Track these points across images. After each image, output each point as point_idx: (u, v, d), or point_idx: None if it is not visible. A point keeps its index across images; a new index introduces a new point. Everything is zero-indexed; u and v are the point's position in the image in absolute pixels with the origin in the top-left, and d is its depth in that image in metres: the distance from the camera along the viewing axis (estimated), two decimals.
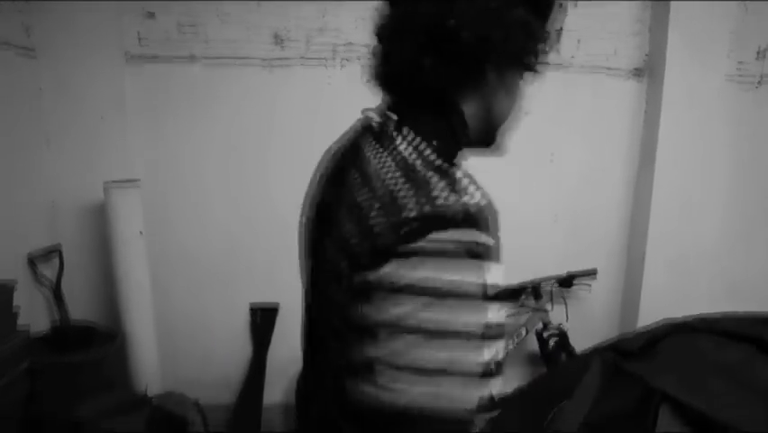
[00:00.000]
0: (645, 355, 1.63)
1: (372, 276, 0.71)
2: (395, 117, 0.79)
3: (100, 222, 2.53)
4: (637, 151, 2.74)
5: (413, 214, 0.69)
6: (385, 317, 0.70)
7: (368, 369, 0.75)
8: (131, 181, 2.43)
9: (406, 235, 0.69)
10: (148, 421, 2.03)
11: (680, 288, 2.66)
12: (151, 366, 2.46)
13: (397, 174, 0.74)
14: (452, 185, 0.71)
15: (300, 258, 0.96)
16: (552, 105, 2.62)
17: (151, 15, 2.55)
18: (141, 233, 2.43)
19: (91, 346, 2.29)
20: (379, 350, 0.72)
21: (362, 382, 0.75)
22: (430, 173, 0.73)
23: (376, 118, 0.81)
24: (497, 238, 0.72)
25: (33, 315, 2.36)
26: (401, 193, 0.72)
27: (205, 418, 2.41)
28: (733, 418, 1.32)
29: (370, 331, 0.72)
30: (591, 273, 2.61)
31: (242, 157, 2.67)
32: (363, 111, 0.87)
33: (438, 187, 0.71)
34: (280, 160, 2.63)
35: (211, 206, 2.70)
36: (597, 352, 1.82)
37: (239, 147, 2.66)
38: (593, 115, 2.73)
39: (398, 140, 0.77)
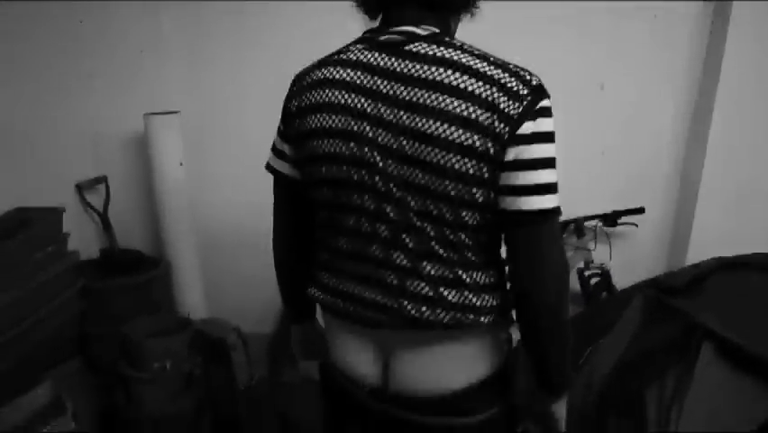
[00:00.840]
0: (691, 292, 1.56)
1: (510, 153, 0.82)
2: (436, 30, 0.88)
3: (142, 153, 2.58)
4: (696, 84, 2.53)
5: (525, 89, 0.82)
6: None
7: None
8: (170, 113, 2.45)
9: (527, 108, 0.81)
10: (190, 343, 2.12)
11: (734, 228, 2.51)
12: (195, 293, 2.56)
13: (478, 60, 0.83)
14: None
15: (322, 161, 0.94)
16: (605, 35, 2.45)
17: None
18: (181, 164, 2.47)
19: (138, 271, 2.39)
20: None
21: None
22: (499, 62, 0.84)
23: (420, 31, 0.86)
24: None
25: (83, 241, 2.47)
26: (495, 72, 0.82)
27: (246, 343, 2.50)
28: None
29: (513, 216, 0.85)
30: (638, 212, 2.48)
31: (282, 87, 2.63)
32: (367, 31, 0.92)
33: (516, 68, 0.84)
34: None
35: (249, 137, 2.68)
36: (639, 288, 1.75)
37: (279, 75, 2.61)
38: (649, 45, 2.51)
39: (454, 41, 0.87)
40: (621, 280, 2.43)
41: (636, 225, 2.53)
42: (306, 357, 1.34)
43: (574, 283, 2.62)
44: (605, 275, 2.51)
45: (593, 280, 2.54)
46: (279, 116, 1.04)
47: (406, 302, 0.91)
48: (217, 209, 2.77)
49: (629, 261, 2.64)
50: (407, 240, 0.89)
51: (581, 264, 2.54)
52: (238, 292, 2.83)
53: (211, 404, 2.25)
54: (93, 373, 2.18)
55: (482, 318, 0.91)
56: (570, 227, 2.55)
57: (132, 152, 2.67)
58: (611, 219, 2.50)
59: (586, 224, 2.54)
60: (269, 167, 1.07)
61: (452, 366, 0.96)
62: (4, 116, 2.23)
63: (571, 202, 2.51)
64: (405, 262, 0.90)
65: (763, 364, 1.27)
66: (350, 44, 0.93)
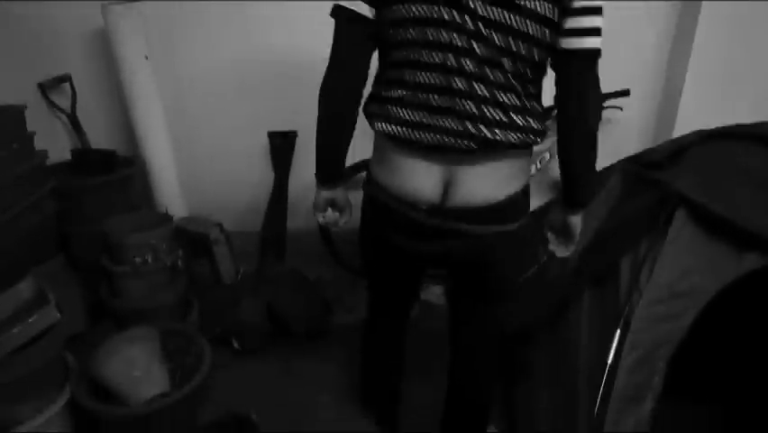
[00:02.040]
0: (670, 164, 1.54)
1: None
2: None
3: (105, 48, 2.44)
4: None
5: None
6: None
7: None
8: (130, 1, 2.29)
9: None
10: (171, 238, 2.12)
11: (723, 107, 2.47)
12: (172, 191, 2.53)
13: None
14: None
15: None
16: None
17: None
18: (146, 57, 2.34)
19: (113, 172, 2.34)
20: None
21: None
22: None
23: None
24: None
25: (53, 143, 2.39)
26: None
27: (229, 239, 2.51)
28: (757, 224, 1.24)
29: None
30: (623, 94, 2.42)
31: None
32: None
33: None
34: None
35: (220, 29, 2.55)
36: (619, 164, 1.73)
37: None
38: None
39: None
40: (608, 164, 2.41)
41: (621, 109, 2.47)
42: (328, 222, 1.49)
43: (557, 170, 2.60)
44: None
45: None
46: None
47: (483, 126, 1.11)
48: (191, 105, 2.67)
49: (616, 144, 2.61)
50: (489, 73, 1.08)
51: None
52: (217, 191, 2.81)
53: (197, 297, 2.30)
54: (76, 271, 2.20)
55: (537, 138, 1.18)
56: (554, 113, 2.49)
57: (94, 48, 2.52)
58: None
59: None
60: (340, 9, 1.11)
61: (499, 182, 1.19)
62: None
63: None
64: (485, 92, 1.09)
65: (735, 228, 1.27)
66: None
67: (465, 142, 1.12)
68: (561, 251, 1.43)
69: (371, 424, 1.83)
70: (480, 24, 1.03)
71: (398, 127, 1.16)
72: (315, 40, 2.41)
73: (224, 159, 2.78)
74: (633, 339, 1.19)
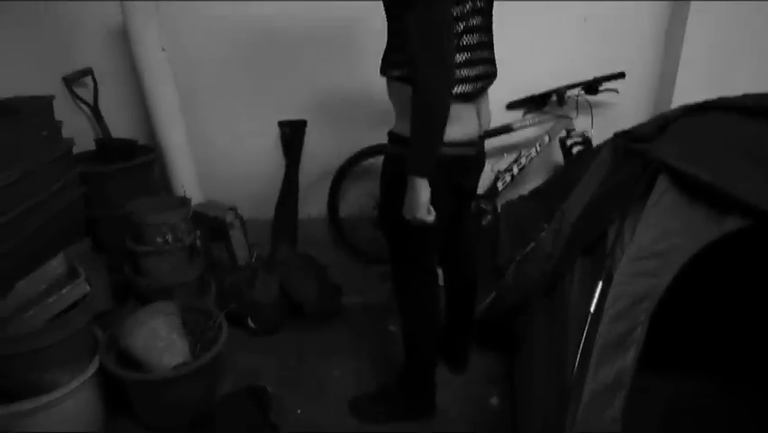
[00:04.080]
0: (656, 136, 1.62)
1: None
2: None
3: (123, 42, 2.57)
4: None
5: None
6: None
7: None
8: None
9: None
10: (190, 219, 2.24)
11: (718, 91, 2.54)
12: (189, 177, 2.65)
13: None
14: None
15: None
16: None
17: None
18: (163, 49, 2.47)
19: (133, 158, 2.47)
20: None
21: None
22: None
23: None
24: None
25: (77, 134, 2.52)
26: None
27: (244, 222, 2.64)
28: (742, 190, 1.28)
29: None
30: (619, 77, 2.49)
31: None
32: None
33: None
34: None
35: (229, 19, 2.66)
36: (610, 139, 1.82)
37: None
38: None
39: None
40: None
41: (617, 92, 2.55)
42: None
43: (557, 153, 2.70)
44: (587, 143, 2.58)
45: (575, 149, 2.61)
46: None
47: (494, 66, 1.56)
48: (204, 95, 2.80)
49: (611, 128, 2.69)
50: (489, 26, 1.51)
51: (564, 133, 2.61)
52: (231, 179, 2.93)
53: (214, 278, 2.42)
54: (101, 253, 2.33)
55: None
56: (552, 98, 2.59)
57: (114, 43, 2.66)
58: (592, 86, 2.52)
59: (568, 93, 2.57)
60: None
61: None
62: None
63: (555, 72, 2.57)
64: (491, 40, 1.53)
65: (715, 191, 1.34)
66: None
67: (492, 78, 1.54)
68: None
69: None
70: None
71: (470, 85, 1.44)
72: (329, 23, 2.55)
73: (238, 147, 2.91)
74: (615, 292, 1.27)
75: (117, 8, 2.42)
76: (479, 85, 1.48)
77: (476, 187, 1.82)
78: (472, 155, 1.59)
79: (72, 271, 1.87)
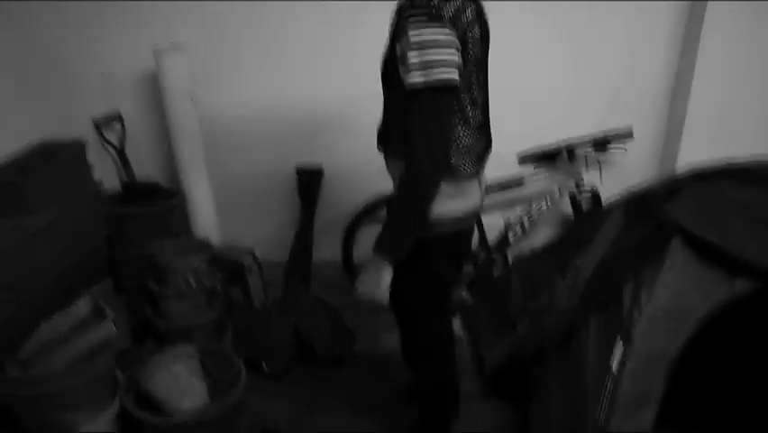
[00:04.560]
0: (667, 199, 1.70)
1: None
2: None
3: (153, 88, 2.68)
4: (686, 10, 2.61)
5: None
6: None
7: None
8: (177, 44, 2.53)
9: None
10: (210, 262, 2.30)
11: (721, 152, 2.64)
12: (210, 222, 2.72)
13: None
14: None
15: None
16: None
17: None
18: (191, 98, 2.58)
19: (157, 203, 2.54)
20: None
21: None
22: None
23: None
24: None
25: (104, 176, 2.61)
26: None
27: (261, 266, 2.69)
28: (747, 252, 1.37)
29: None
30: (627, 135, 2.61)
31: (283, 21, 2.71)
32: None
33: None
34: (321, 20, 2.65)
35: (253, 69, 2.78)
36: (621, 199, 1.90)
37: (279, 10, 2.69)
38: None
39: None
40: None
41: (626, 149, 2.66)
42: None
43: (566, 207, 2.78)
44: (596, 197, 2.67)
45: (584, 204, 2.69)
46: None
47: (491, 135, 1.54)
48: (227, 142, 2.89)
49: (620, 184, 2.79)
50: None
51: (573, 189, 2.70)
52: (251, 223, 3.00)
53: (231, 320, 2.46)
54: (120, 293, 2.37)
55: None
56: (561, 154, 2.69)
57: (143, 88, 2.77)
58: (601, 143, 2.62)
59: (576, 151, 2.67)
60: (452, 83, 1.23)
61: None
62: (21, 58, 2.33)
63: (564, 129, 2.68)
64: (488, 112, 1.49)
65: (724, 254, 1.42)
66: None
67: (491, 149, 1.53)
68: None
69: None
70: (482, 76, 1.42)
71: (477, 164, 1.45)
72: (339, 87, 2.67)
73: (257, 193, 2.99)
74: (634, 350, 1.33)
75: (149, 54, 2.53)
76: (484, 160, 1.53)
77: (470, 250, 1.97)
78: (473, 225, 1.67)
79: (99, 311, 1.91)
